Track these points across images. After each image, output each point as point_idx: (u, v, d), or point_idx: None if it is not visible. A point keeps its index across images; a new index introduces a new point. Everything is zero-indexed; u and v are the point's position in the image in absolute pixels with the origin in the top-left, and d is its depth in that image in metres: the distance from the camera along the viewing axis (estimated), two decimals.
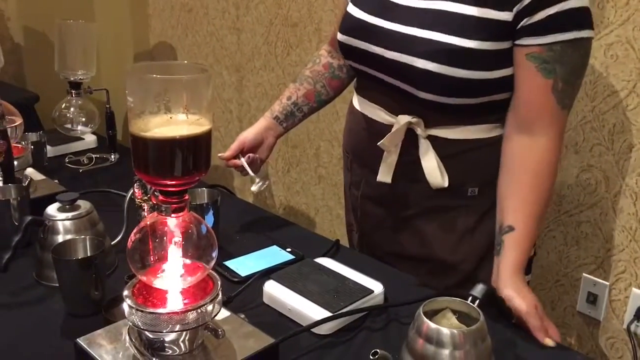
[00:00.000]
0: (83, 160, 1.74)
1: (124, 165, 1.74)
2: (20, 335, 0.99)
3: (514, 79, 1.06)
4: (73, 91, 1.85)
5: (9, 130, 1.31)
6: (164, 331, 0.82)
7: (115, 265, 1.19)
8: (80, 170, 1.70)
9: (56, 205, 1.16)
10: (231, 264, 1.19)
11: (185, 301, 0.84)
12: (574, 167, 1.53)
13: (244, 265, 1.19)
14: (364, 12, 1.14)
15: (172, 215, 0.81)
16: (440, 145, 1.14)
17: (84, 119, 1.88)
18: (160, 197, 0.80)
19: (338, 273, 1.12)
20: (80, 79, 1.85)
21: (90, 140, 1.88)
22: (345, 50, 1.19)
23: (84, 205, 1.18)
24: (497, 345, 0.87)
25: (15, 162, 1.34)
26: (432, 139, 1.14)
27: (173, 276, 0.84)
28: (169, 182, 0.78)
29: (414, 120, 1.12)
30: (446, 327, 0.80)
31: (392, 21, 1.10)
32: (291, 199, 2.31)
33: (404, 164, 1.17)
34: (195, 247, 0.84)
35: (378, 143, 1.15)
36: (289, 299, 1.04)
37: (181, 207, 0.81)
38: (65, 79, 1.85)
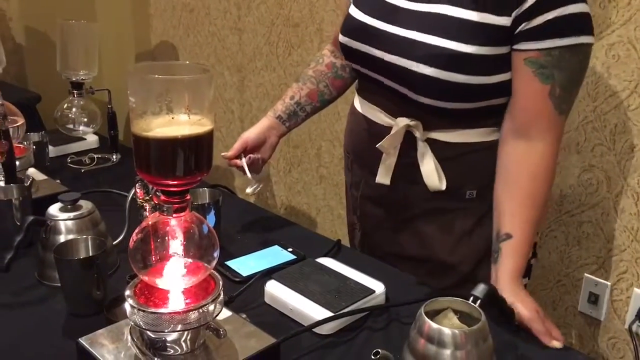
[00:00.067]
0: (85, 161, 1.75)
1: (126, 166, 1.74)
2: (22, 335, 0.99)
3: (512, 83, 1.06)
4: (75, 91, 1.85)
5: (11, 130, 1.31)
6: (166, 331, 0.82)
7: (117, 265, 1.19)
8: (82, 171, 1.70)
9: (58, 205, 1.16)
10: (233, 263, 1.19)
11: (187, 301, 0.84)
12: (575, 167, 1.53)
13: (245, 265, 1.19)
14: (365, 14, 1.14)
15: (174, 215, 0.81)
16: (438, 148, 1.14)
17: (85, 119, 1.88)
18: (162, 197, 0.81)
19: (339, 273, 1.12)
20: (82, 79, 1.85)
21: (92, 140, 1.88)
22: (346, 52, 1.19)
23: (86, 205, 1.18)
24: (498, 345, 0.87)
25: (17, 162, 1.34)
26: (431, 142, 1.14)
27: (175, 276, 0.84)
28: (170, 182, 0.78)
29: (413, 123, 1.12)
30: (448, 327, 0.80)
31: (392, 24, 1.09)
32: (292, 199, 2.32)
33: (403, 166, 1.17)
34: (196, 247, 0.84)
35: (377, 145, 1.16)
36: (290, 299, 1.04)
37: (183, 207, 0.81)
38: (67, 79, 1.85)
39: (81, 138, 1.87)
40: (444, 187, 1.14)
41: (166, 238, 0.82)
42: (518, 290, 1.03)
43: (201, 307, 0.83)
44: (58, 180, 1.52)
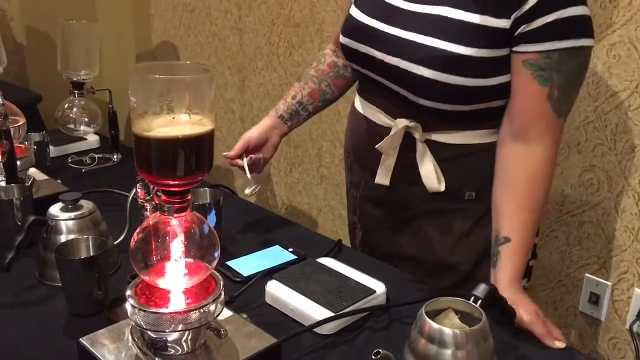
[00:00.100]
0: (86, 160, 1.75)
1: (127, 165, 1.74)
2: (23, 335, 0.99)
3: (511, 85, 1.05)
4: (76, 91, 1.85)
5: (11, 130, 1.31)
6: (167, 331, 0.82)
7: (117, 265, 1.19)
8: (83, 170, 1.70)
9: (59, 205, 1.16)
10: (233, 263, 1.19)
11: (188, 301, 0.84)
12: (576, 167, 1.53)
13: (246, 265, 1.19)
14: (366, 14, 1.14)
15: (175, 215, 0.81)
16: (438, 150, 1.14)
17: (86, 119, 1.88)
18: (163, 197, 0.81)
19: (340, 273, 1.12)
20: (82, 79, 1.85)
21: (92, 140, 1.89)
22: (347, 53, 1.19)
23: (87, 205, 1.18)
24: (499, 345, 0.87)
25: (18, 162, 1.34)
26: (430, 143, 1.14)
27: (176, 276, 0.84)
28: (171, 182, 0.78)
29: (412, 124, 1.12)
30: (448, 327, 0.80)
31: (392, 25, 1.09)
32: (293, 199, 2.32)
33: (402, 166, 1.17)
34: (197, 247, 0.84)
35: (376, 146, 1.16)
36: (291, 299, 1.04)
37: (184, 207, 0.81)
38: (68, 79, 1.85)
39: (82, 138, 1.88)
40: (442, 188, 1.14)
41: (167, 238, 0.82)
42: (517, 294, 1.03)
43: (202, 307, 0.83)
44: (59, 180, 1.52)
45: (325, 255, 1.21)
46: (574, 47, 0.99)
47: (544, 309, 1.66)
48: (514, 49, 1.02)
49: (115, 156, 1.77)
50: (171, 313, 0.81)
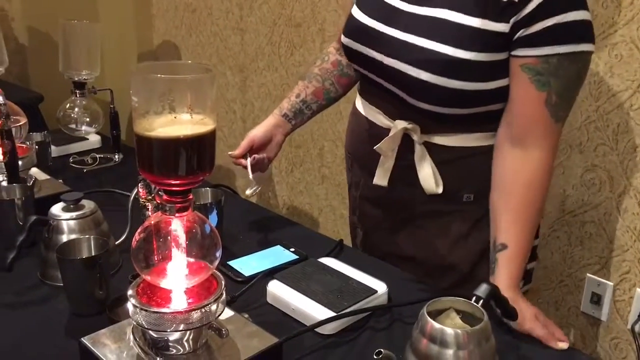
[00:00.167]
0: (87, 160, 1.75)
1: (128, 165, 1.74)
2: (25, 335, 0.99)
3: (509, 90, 1.05)
4: (77, 91, 1.85)
5: (13, 130, 1.32)
6: (168, 330, 0.82)
7: (119, 264, 1.19)
8: (85, 170, 1.70)
9: (60, 205, 1.16)
10: (235, 263, 1.19)
11: (190, 301, 0.84)
12: (578, 166, 1.53)
13: (247, 265, 1.19)
14: (367, 15, 1.13)
15: (176, 214, 0.81)
16: (436, 152, 1.13)
17: (88, 119, 1.88)
18: (165, 197, 0.81)
19: (342, 273, 1.12)
20: (84, 79, 1.85)
21: (94, 140, 1.89)
22: (348, 53, 1.19)
23: (88, 205, 1.18)
24: (500, 345, 0.87)
25: (20, 162, 1.34)
26: (429, 145, 1.13)
27: (177, 276, 0.84)
28: (173, 182, 0.78)
29: (410, 126, 1.12)
30: (450, 327, 0.80)
31: (392, 27, 1.09)
32: (295, 199, 2.32)
33: (401, 168, 1.17)
34: (199, 247, 0.84)
35: (374, 147, 1.16)
36: (292, 299, 1.04)
37: (185, 206, 0.81)
38: (70, 79, 1.86)
39: (83, 138, 1.88)
40: (440, 190, 1.14)
41: (168, 238, 0.82)
42: (516, 301, 1.03)
43: (203, 306, 0.83)
44: (60, 180, 1.52)
45: (327, 255, 1.21)
46: (573, 52, 0.98)
47: (545, 309, 1.66)
48: (513, 52, 1.01)
49: (116, 156, 1.77)
50: (173, 313, 0.81)
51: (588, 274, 1.58)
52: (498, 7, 0.99)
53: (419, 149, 1.13)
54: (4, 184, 1.31)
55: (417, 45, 1.04)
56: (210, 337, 0.88)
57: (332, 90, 1.36)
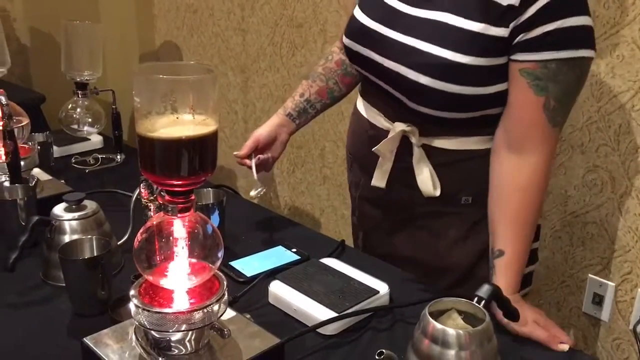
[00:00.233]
0: (89, 161, 1.75)
1: (130, 166, 1.74)
2: (27, 335, 0.99)
3: (508, 94, 1.04)
4: (79, 92, 1.86)
5: (15, 130, 1.32)
6: (170, 331, 0.82)
7: (121, 265, 1.19)
8: (87, 171, 1.70)
9: (63, 205, 1.16)
10: (237, 264, 1.20)
11: (192, 301, 0.84)
12: (580, 167, 1.53)
13: (249, 265, 1.19)
14: (368, 17, 1.13)
15: (179, 215, 0.81)
16: (435, 154, 1.13)
17: (90, 120, 1.88)
18: (167, 197, 0.81)
19: (343, 273, 1.12)
20: (86, 79, 1.86)
21: (96, 140, 1.89)
22: (349, 54, 1.19)
23: (91, 205, 1.18)
24: (502, 346, 0.87)
25: (22, 163, 1.34)
26: (427, 148, 1.13)
27: (179, 276, 0.84)
28: (175, 182, 0.78)
29: (409, 128, 1.12)
30: (452, 328, 0.80)
31: (393, 29, 1.09)
32: (296, 200, 2.32)
33: (399, 170, 1.17)
34: (201, 247, 0.84)
35: (373, 149, 1.16)
36: (294, 299, 1.04)
37: (187, 207, 0.81)
38: (72, 80, 1.86)
39: (85, 138, 1.88)
40: (438, 193, 1.14)
41: (171, 238, 0.82)
42: (516, 305, 1.03)
43: (205, 307, 0.83)
44: (62, 181, 1.52)
45: (329, 256, 1.21)
46: (572, 58, 0.98)
47: (547, 309, 1.66)
48: (512, 57, 1.01)
49: (118, 156, 1.77)
50: (175, 313, 0.82)
51: (590, 275, 1.58)
52: (498, 11, 0.98)
53: (417, 152, 1.13)
54: (7, 184, 1.31)
55: (417, 49, 1.04)
56: (212, 337, 0.88)
57: (336, 90, 1.36)
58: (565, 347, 0.99)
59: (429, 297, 1.00)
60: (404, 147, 1.15)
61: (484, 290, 0.88)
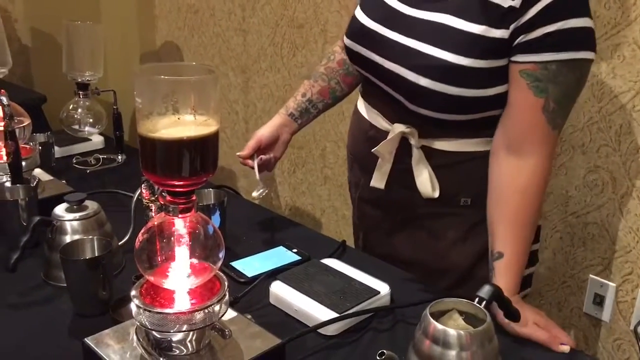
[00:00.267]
0: (90, 161, 1.75)
1: (131, 166, 1.74)
2: (28, 336, 0.99)
3: (507, 95, 1.04)
4: (80, 92, 1.86)
5: (17, 131, 1.32)
6: (172, 331, 0.82)
7: (122, 265, 1.19)
8: (88, 171, 1.71)
9: (64, 205, 1.16)
10: (238, 264, 1.20)
11: (193, 301, 0.84)
12: (581, 167, 1.53)
13: (250, 266, 1.20)
14: (369, 18, 1.13)
15: (180, 215, 0.81)
16: (434, 156, 1.13)
17: (91, 120, 1.89)
18: (168, 198, 0.81)
19: (344, 274, 1.12)
20: (87, 80, 1.86)
21: (97, 141, 1.89)
22: (350, 55, 1.19)
23: (92, 205, 1.18)
24: (503, 347, 0.87)
25: (23, 163, 1.34)
26: (426, 150, 1.13)
27: (180, 276, 0.84)
28: (176, 183, 0.79)
29: (408, 130, 1.12)
30: (453, 328, 0.80)
31: (393, 30, 1.08)
32: (297, 200, 2.32)
33: (399, 171, 1.17)
34: (202, 248, 0.84)
35: (372, 150, 1.16)
36: (295, 300, 1.04)
37: (188, 207, 0.81)
38: (73, 80, 1.86)
39: (87, 139, 1.88)
40: (436, 195, 1.14)
41: (172, 238, 0.82)
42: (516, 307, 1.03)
43: (207, 307, 0.83)
44: (64, 181, 1.52)
45: (330, 256, 1.21)
46: (572, 60, 0.98)
47: (548, 310, 1.66)
48: (512, 58, 1.00)
49: (119, 157, 1.77)
50: (176, 313, 0.82)
51: (591, 275, 1.58)
52: (499, 13, 0.98)
53: (416, 153, 1.13)
54: (8, 184, 1.31)
55: (417, 50, 1.04)
56: (213, 337, 0.88)
57: (338, 89, 1.36)
58: (566, 347, 0.99)
59: (430, 297, 1.00)
60: (404, 148, 1.15)
61: (485, 290, 0.88)
